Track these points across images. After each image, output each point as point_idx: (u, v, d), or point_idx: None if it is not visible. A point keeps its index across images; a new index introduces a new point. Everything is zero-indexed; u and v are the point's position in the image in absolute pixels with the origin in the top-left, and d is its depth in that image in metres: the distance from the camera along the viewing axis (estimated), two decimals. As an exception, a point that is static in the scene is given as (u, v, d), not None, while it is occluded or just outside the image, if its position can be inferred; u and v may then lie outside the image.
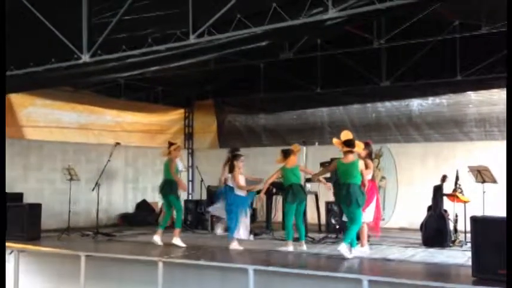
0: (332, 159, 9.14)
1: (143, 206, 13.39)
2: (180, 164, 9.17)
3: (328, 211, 10.56)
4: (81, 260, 7.65)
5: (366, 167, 7.67)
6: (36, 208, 9.39)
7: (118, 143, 10.73)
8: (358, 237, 7.93)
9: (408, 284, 5.62)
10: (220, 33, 6.40)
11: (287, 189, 8.16)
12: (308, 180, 10.06)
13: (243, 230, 8.46)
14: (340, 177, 7.57)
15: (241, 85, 13.44)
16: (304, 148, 10.30)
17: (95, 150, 12.34)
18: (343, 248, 7.13)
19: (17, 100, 11.21)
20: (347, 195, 7.29)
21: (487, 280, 5.38)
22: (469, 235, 6.14)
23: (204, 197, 11.74)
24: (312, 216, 10.77)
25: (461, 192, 8.65)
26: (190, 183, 14.33)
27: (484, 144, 11.17)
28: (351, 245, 7.39)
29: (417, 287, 5.61)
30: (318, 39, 10.64)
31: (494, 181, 8.36)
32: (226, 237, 8.56)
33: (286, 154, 8.28)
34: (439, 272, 6.48)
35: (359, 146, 7.53)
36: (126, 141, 12.88)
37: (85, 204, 11.51)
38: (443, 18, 9.56)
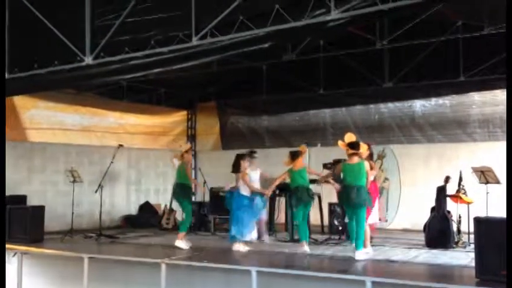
0: (335, 161, 9.14)
1: (146, 208, 13.38)
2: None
3: (331, 212, 10.52)
4: (84, 262, 7.66)
5: (370, 168, 7.67)
6: (39, 210, 9.40)
7: (121, 145, 10.77)
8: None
9: (411, 285, 5.62)
10: (222, 35, 6.40)
11: (292, 192, 8.13)
12: (312, 181, 10.03)
13: (255, 232, 8.44)
14: (345, 179, 7.56)
15: (243, 87, 13.42)
16: (307, 149, 10.28)
17: (98, 152, 12.37)
18: (360, 255, 7.20)
19: (20, 102, 11.24)
20: (356, 197, 7.28)
21: (490, 281, 5.37)
22: (472, 236, 6.14)
23: (207, 199, 11.71)
24: (314, 218, 10.72)
25: (464, 193, 8.64)
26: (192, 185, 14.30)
27: (487, 145, 11.12)
28: (357, 247, 7.39)
29: (420, 288, 5.60)
30: (320, 40, 10.61)
31: (497, 182, 8.33)
32: (228, 239, 8.53)
33: (294, 156, 8.20)
34: (442, 273, 6.47)
35: (363, 147, 7.54)
36: (129, 143, 12.91)
37: (88, 206, 11.50)
38: (446, 18, 9.54)
